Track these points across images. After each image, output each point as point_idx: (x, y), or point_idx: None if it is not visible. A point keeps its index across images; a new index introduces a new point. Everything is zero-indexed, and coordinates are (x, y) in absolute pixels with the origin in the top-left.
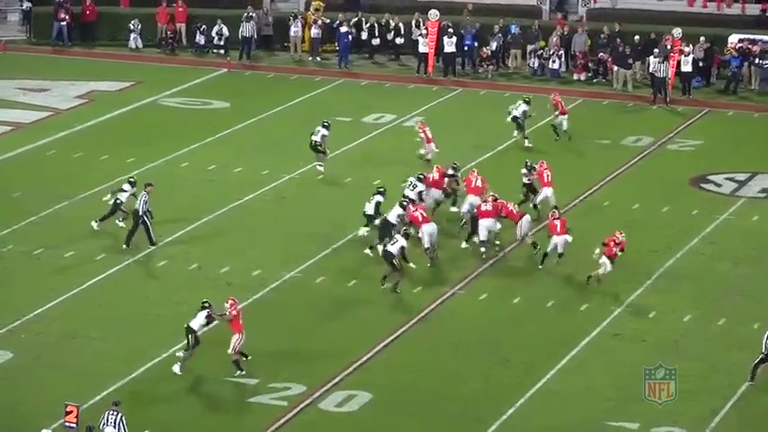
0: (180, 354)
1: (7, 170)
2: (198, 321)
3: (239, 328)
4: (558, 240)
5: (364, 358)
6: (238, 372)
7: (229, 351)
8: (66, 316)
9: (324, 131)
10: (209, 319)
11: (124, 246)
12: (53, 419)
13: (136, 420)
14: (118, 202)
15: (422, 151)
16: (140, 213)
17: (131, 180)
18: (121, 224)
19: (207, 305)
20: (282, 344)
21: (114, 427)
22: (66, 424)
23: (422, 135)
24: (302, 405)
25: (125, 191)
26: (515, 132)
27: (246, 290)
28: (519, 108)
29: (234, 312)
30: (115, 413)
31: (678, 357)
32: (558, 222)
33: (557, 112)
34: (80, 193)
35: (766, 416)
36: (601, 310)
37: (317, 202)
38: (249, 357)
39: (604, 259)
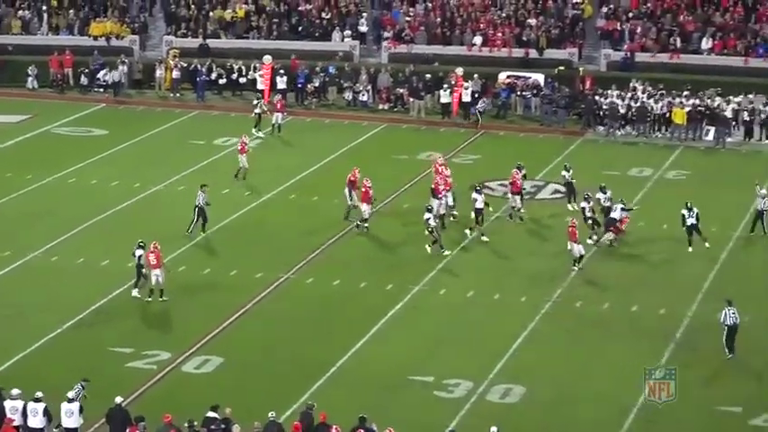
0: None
1: None
2: (138, 253)
3: (155, 265)
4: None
5: (216, 330)
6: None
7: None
8: None
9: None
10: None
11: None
12: None
13: (32, 385)
14: (197, 206)
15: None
16: (201, 206)
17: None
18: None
19: (142, 244)
20: (151, 320)
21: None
22: None
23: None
24: (168, 368)
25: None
26: None
27: (122, 279)
28: None
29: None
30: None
31: (464, 323)
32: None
33: (277, 112)
34: None
35: (535, 366)
36: (402, 288)
37: (178, 207)
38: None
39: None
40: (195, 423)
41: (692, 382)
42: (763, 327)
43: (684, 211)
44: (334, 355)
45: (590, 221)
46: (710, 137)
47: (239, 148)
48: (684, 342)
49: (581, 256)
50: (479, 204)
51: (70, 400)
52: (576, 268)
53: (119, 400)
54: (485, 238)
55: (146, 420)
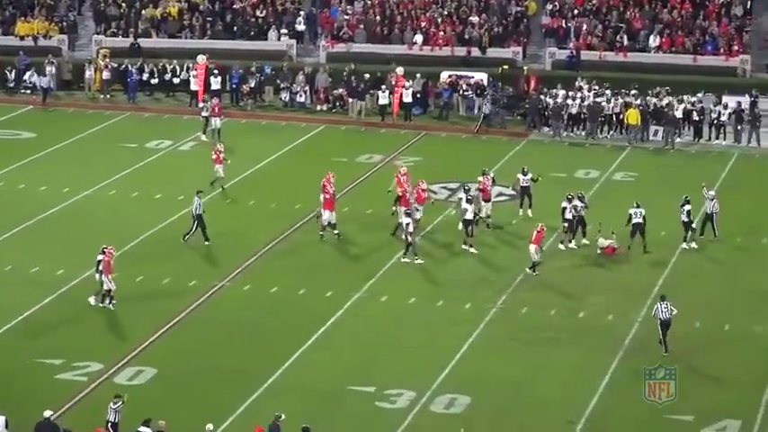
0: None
1: None
2: (98, 257)
3: (110, 271)
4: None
5: (150, 340)
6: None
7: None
8: None
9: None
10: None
11: (205, 242)
12: None
13: None
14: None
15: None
16: (200, 214)
17: (198, 192)
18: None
19: (105, 249)
20: (81, 329)
21: None
22: None
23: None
24: (100, 380)
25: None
26: None
27: (52, 287)
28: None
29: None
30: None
31: (407, 331)
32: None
33: (215, 117)
34: None
35: (480, 375)
36: (343, 295)
37: (108, 212)
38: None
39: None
40: None
41: (640, 391)
42: (713, 332)
43: (679, 207)
44: (272, 365)
45: (566, 224)
46: (659, 137)
47: (214, 157)
48: (633, 348)
49: (535, 263)
50: (469, 215)
51: None
52: (530, 272)
53: (48, 413)
54: (473, 249)
55: None
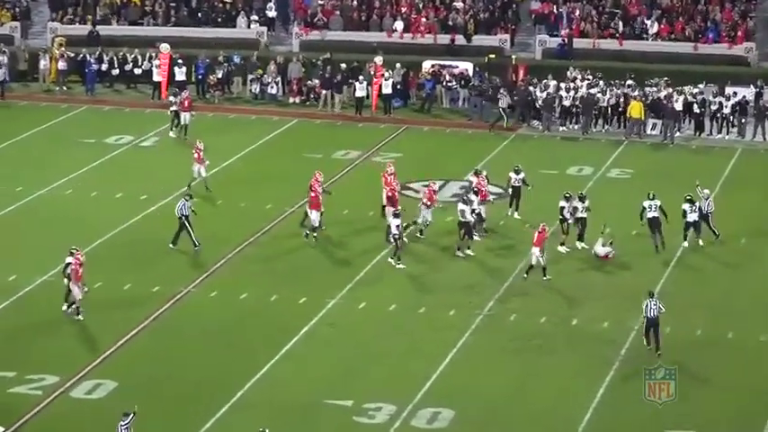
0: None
1: None
2: (68, 260)
3: (79, 278)
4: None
5: (110, 350)
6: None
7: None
8: None
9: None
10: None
11: (171, 245)
12: None
13: None
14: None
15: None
16: (182, 216)
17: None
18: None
19: (74, 250)
20: (36, 339)
21: None
22: None
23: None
24: (56, 394)
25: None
26: None
27: (4, 294)
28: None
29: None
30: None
31: (386, 340)
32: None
33: (184, 111)
34: None
35: (465, 387)
36: (317, 302)
37: (67, 215)
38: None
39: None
40: None
41: (638, 402)
42: (716, 340)
43: (686, 206)
44: (242, 377)
45: (566, 225)
46: (657, 131)
47: (195, 156)
48: (630, 358)
49: (535, 267)
50: (467, 217)
51: None
52: (525, 276)
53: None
54: (461, 254)
55: None
